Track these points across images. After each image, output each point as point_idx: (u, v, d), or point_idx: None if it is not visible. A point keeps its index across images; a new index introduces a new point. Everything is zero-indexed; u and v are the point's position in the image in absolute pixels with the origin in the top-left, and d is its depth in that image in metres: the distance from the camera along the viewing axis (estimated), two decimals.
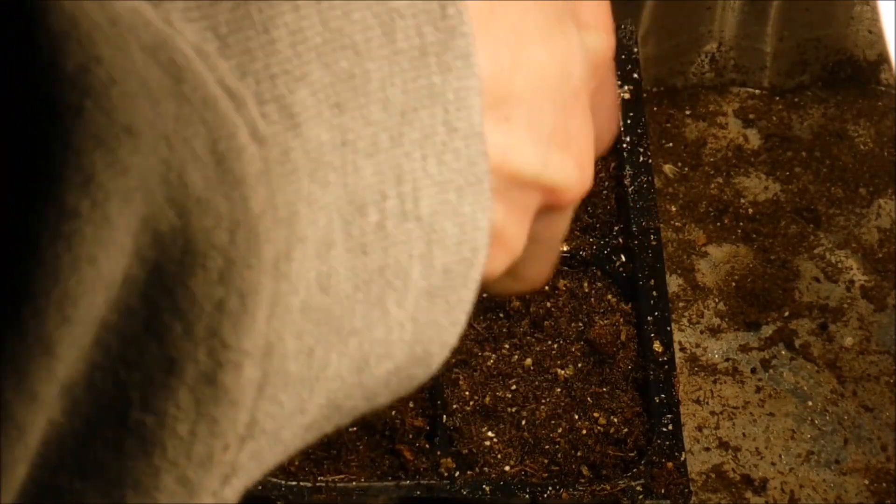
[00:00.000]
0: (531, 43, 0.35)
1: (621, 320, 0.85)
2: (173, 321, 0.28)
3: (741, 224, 1.03)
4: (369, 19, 0.32)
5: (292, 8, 0.31)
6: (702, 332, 0.99)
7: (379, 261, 0.33)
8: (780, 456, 0.94)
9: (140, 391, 0.28)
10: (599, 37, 0.38)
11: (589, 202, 0.89)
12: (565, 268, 0.87)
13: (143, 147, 0.27)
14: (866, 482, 0.94)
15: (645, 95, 0.99)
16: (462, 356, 0.83)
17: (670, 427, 0.81)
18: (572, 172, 0.36)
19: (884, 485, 0.94)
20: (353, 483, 0.78)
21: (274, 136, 0.30)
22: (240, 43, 0.30)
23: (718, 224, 1.03)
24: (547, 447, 0.81)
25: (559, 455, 0.81)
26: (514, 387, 0.83)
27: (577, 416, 0.82)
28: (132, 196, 0.27)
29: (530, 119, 0.35)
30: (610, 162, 0.90)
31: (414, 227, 0.33)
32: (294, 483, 0.77)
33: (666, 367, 0.83)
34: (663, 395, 0.82)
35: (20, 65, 0.26)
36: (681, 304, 0.99)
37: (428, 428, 0.81)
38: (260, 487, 0.77)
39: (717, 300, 1.00)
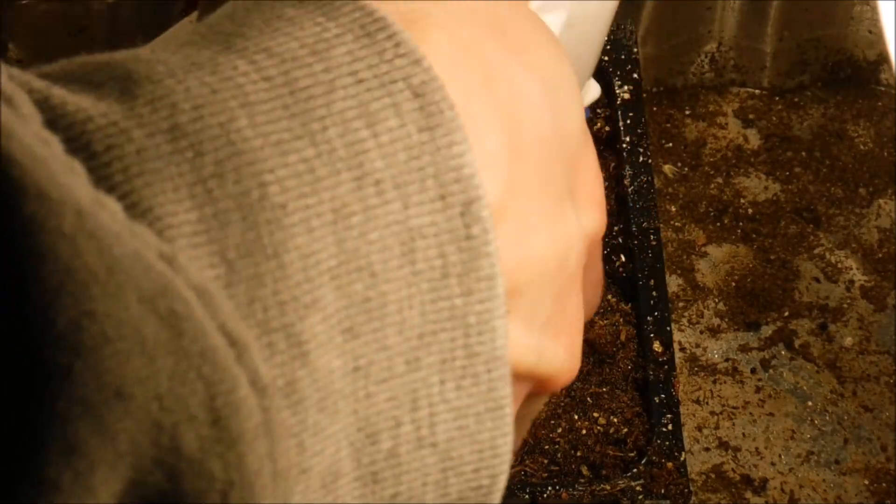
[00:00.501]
0: (535, 234, 0.34)
1: (621, 320, 0.85)
2: None
3: (741, 224, 1.03)
4: (388, 239, 0.30)
5: (306, 230, 0.29)
6: (701, 332, 0.99)
7: (391, 489, 0.32)
8: (779, 456, 0.94)
9: None
10: (594, 216, 0.36)
11: None
12: None
13: (133, 410, 0.25)
14: (866, 482, 0.94)
15: (645, 95, 0.99)
16: None
17: (670, 427, 0.81)
18: (564, 360, 0.35)
19: (884, 485, 0.94)
20: None
21: (280, 367, 0.29)
22: (249, 268, 0.29)
23: (718, 224, 1.03)
24: (547, 447, 0.81)
25: (559, 455, 0.81)
26: None
27: (576, 416, 0.82)
28: (119, 462, 0.25)
29: (528, 310, 0.34)
30: (610, 162, 0.90)
31: (429, 454, 0.32)
32: None
33: (666, 367, 0.83)
34: (663, 396, 0.82)
35: (11, 323, 0.24)
36: (680, 304, 0.99)
37: None
38: None
39: (716, 300, 1.00)
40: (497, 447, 0.33)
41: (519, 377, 0.34)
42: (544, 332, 0.35)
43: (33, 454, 0.25)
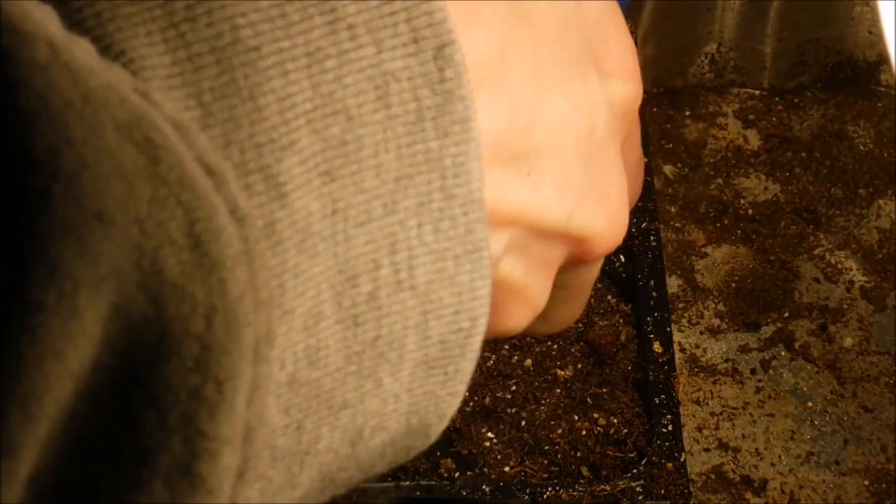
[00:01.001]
0: (550, 93, 0.34)
1: (621, 321, 0.85)
2: (146, 410, 0.27)
3: (741, 225, 1.03)
4: (363, 83, 0.31)
5: (281, 73, 0.30)
6: (701, 333, 0.99)
7: (372, 332, 0.32)
8: (779, 457, 0.94)
9: (111, 483, 0.27)
10: (625, 85, 0.36)
11: None
12: None
13: (114, 233, 0.26)
14: (866, 483, 0.94)
15: (645, 96, 0.99)
16: None
17: (670, 428, 0.81)
18: (600, 225, 0.35)
19: (884, 485, 0.94)
20: None
21: (259, 208, 0.29)
22: (224, 111, 0.29)
23: (718, 225, 1.03)
24: (547, 448, 0.81)
25: (559, 456, 0.81)
26: (513, 387, 0.83)
27: (576, 417, 0.82)
28: (103, 284, 0.26)
29: (554, 172, 0.34)
30: None
31: (409, 297, 0.32)
32: None
33: (666, 367, 0.83)
34: (663, 396, 0.82)
35: None
36: (680, 305, 0.99)
37: None
38: None
39: (716, 301, 1.00)
40: (476, 289, 0.33)
41: (550, 239, 0.35)
42: (580, 197, 0.35)
43: (18, 277, 0.25)
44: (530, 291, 0.36)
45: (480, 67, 0.33)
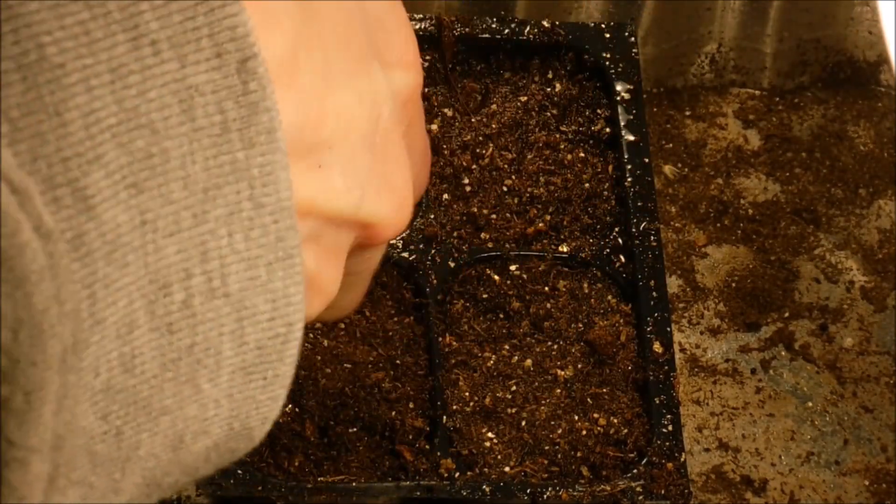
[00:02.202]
0: (337, 88, 0.35)
1: (621, 321, 0.85)
2: None
3: (741, 225, 1.03)
4: (167, 97, 0.31)
5: (85, 89, 0.30)
6: (702, 333, 0.99)
7: (187, 339, 0.32)
8: (780, 457, 0.94)
9: None
10: (407, 74, 0.37)
11: (589, 203, 0.89)
12: (565, 269, 0.87)
13: None
14: (866, 483, 0.94)
15: (645, 96, 0.99)
16: (462, 357, 0.83)
17: (670, 428, 0.81)
18: (387, 209, 0.37)
19: (884, 486, 0.94)
20: (353, 483, 0.78)
21: (67, 221, 0.30)
22: (31, 126, 0.29)
23: (718, 225, 1.03)
24: (547, 448, 0.81)
25: (559, 456, 0.81)
26: (513, 388, 0.83)
27: (576, 417, 0.82)
28: None
29: (343, 163, 0.35)
30: (610, 162, 0.90)
31: (222, 305, 0.33)
32: (294, 483, 0.77)
33: (666, 367, 0.83)
34: (663, 396, 0.82)
35: None
36: (681, 305, 0.99)
37: (428, 429, 0.81)
38: (260, 488, 0.77)
39: (716, 301, 1.00)
40: (290, 296, 0.34)
41: (340, 225, 0.36)
42: (366, 183, 0.36)
43: None
44: (322, 279, 0.36)
45: (275, 67, 0.33)
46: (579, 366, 0.84)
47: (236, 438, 0.35)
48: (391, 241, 0.39)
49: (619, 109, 0.90)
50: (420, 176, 0.40)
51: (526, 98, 0.91)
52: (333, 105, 0.35)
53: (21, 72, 0.29)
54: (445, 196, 0.87)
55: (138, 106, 0.31)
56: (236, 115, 0.32)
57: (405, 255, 0.85)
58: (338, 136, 0.35)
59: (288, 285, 0.34)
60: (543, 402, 0.82)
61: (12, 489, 0.28)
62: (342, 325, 0.83)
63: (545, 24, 0.91)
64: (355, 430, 0.80)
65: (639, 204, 0.87)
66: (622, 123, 0.90)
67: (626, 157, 0.89)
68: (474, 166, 0.89)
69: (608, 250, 0.87)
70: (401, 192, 0.37)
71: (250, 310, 0.33)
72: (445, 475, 0.79)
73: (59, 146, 0.30)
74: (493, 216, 0.87)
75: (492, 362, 0.83)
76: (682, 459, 0.80)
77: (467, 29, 0.91)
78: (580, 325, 0.85)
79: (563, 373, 0.83)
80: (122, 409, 0.31)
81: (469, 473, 0.79)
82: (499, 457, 0.80)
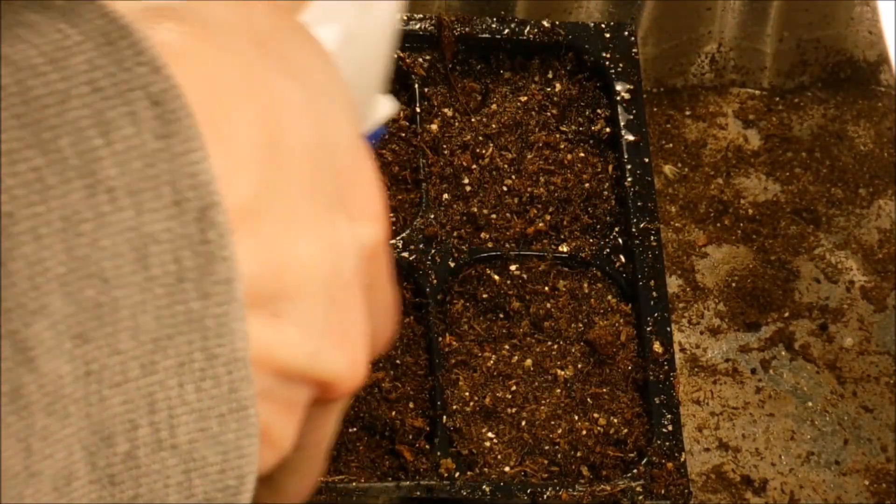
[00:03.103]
0: (300, 237, 0.34)
1: (621, 321, 0.85)
2: None
3: (741, 225, 1.03)
4: (120, 246, 0.31)
5: (33, 238, 0.30)
6: (702, 333, 0.99)
7: (130, 490, 0.32)
8: (780, 457, 0.94)
9: None
10: (371, 228, 0.37)
11: (589, 203, 0.89)
12: (565, 268, 0.87)
13: None
14: (866, 483, 0.94)
15: (645, 96, 0.99)
16: (462, 357, 0.83)
17: (670, 428, 0.81)
18: (344, 365, 0.36)
19: (884, 485, 0.94)
20: (353, 483, 0.78)
21: (6, 373, 0.29)
22: None
23: (718, 225, 1.03)
24: (547, 448, 0.81)
25: (559, 456, 0.81)
26: (514, 387, 0.83)
27: (576, 417, 0.82)
28: None
29: (300, 314, 0.34)
30: (610, 162, 0.90)
31: (169, 456, 0.32)
32: None
33: (666, 367, 0.83)
34: (663, 396, 0.82)
35: None
36: (681, 305, 0.99)
37: (428, 429, 0.81)
38: None
39: (717, 301, 1.00)
40: (242, 448, 0.33)
41: (294, 379, 0.35)
42: (324, 338, 0.35)
43: None
44: (275, 433, 0.35)
45: (238, 214, 0.33)
46: (579, 366, 0.84)
47: None
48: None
49: (619, 109, 0.90)
50: (382, 332, 0.39)
51: (526, 98, 0.91)
52: (295, 254, 0.34)
53: None
54: (445, 196, 0.87)
55: (89, 255, 0.30)
56: (192, 264, 0.31)
57: (405, 255, 0.85)
58: (297, 286, 0.34)
59: (240, 437, 0.33)
60: (543, 402, 0.82)
61: None
62: None
63: (545, 24, 0.91)
64: (355, 430, 0.80)
65: (639, 204, 0.87)
66: (622, 123, 0.90)
67: (626, 157, 0.89)
68: (474, 166, 0.89)
69: (608, 250, 0.87)
70: (357, 348, 0.36)
71: (199, 462, 0.32)
72: (445, 475, 0.79)
73: (1, 297, 0.29)
74: (493, 216, 0.87)
75: (492, 362, 0.83)
76: (682, 459, 0.80)
77: (467, 29, 0.91)
78: (580, 325, 0.85)
79: (563, 373, 0.83)
80: None
81: (469, 473, 0.79)
82: (499, 457, 0.80)
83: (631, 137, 0.89)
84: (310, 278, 0.34)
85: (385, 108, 0.60)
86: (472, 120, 0.90)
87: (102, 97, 0.31)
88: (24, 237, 0.30)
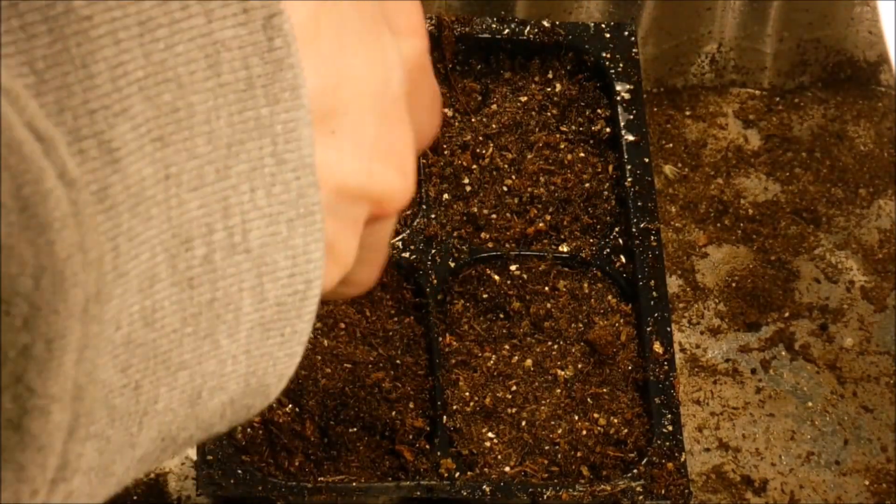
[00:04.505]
0: (353, 55, 0.35)
1: (621, 321, 0.85)
2: None
3: (741, 225, 1.03)
4: (194, 52, 0.31)
5: (113, 41, 0.30)
6: (702, 333, 0.99)
7: (207, 294, 0.32)
8: (780, 457, 0.94)
9: None
10: (413, 41, 0.38)
11: (589, 203, 0.89)
12: (565, 269, 0.87)
13: None
14: (866, 483, 0.94)
15: (645, 96, 0.99)
16: (462, 357, 0.83)
17: (670, 428, 0.81)
18: (395, 181, 0.36)
19: (884, 485, 0.94)
20: (353, 483, 0.78)
21: (93, 173, 0.30)
22: (57, 78, 0.30)
23: (718, 225, 1.03)
24: (547, 448, 0.81)
25: (559, 456, 0.81)
26: (514, 388, 0.83)
27: (577, 417, 0.82)
28: None
29: (354, 130, 0.35)
30: (610, 162, 0.90)
31: (243, 260, 0.33)
32: (294, 483, 0.77)
33: (666, 367, 0.83)
34: (663, 396, 0.82)
35: None
36: (681, 305, 0.99)
37: (428, 429, 0.81)
38: (260, 488, 0.77)
39: (717, 301, 1.00)
40: (310, 252, 0.34)
41: (353, 197, 0.36)
42: (374, 153, 0.36)
43: None
44: (339, 249, 0.36)
45: (298, 31, 0.34)
46: (579, 366, 0.84)
47: (252, 395, 0.35)
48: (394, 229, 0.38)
49: (619, 109, 0.90)
50: (428, 129, 0.41)
51: (526, 98, 0.91)
52: (350, 71, 0.35)
53: (48, 24, 0.29)
54: (445, 196, 0.87)
55: (165, 60, 0.31)
56: (261, 71, 0.32)
57: (405, 255, 0.85)
58: (352, 101, 0.35)
59: (308, 242, 0.34)
60: (543, 402, 0.82)
61: (33, 437, 0.28)
62: (342, 325, 0.83)
63: (545, 24, 0.91)
64: (355, 430, 0.80)
65: (639, 204, 0.87)
66: (622, 123, 0.90)
67: (626, 157, 0.89)
68: (474, 166, 0.89)
69: (608, 250, 0.87)
70: (407, 162, 0.37)
71: (270, 266, 0.33)
72: (445, 475, 0.79)
73: (85, 98, 0.30)
74: (493, 216, 0.87)
75: (492, 362, 0.83)
76: (683, 459, 0.80)
77: (467, 29, 0.91)
78: (580, 325, 0.85)
79: (563, 373, 0.83)
80: (141, 363, 0.31)
81: (469, 473, 0.79)
82: (499, 457, 0.80)
83: (631, 137, 0.89)
84: (363, 93, 0.35)
85: None
86: (473, 120, 0.90)
87: None
88: (104, 40, 0.30)
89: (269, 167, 0.33)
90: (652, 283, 0.85)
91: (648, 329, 0.84)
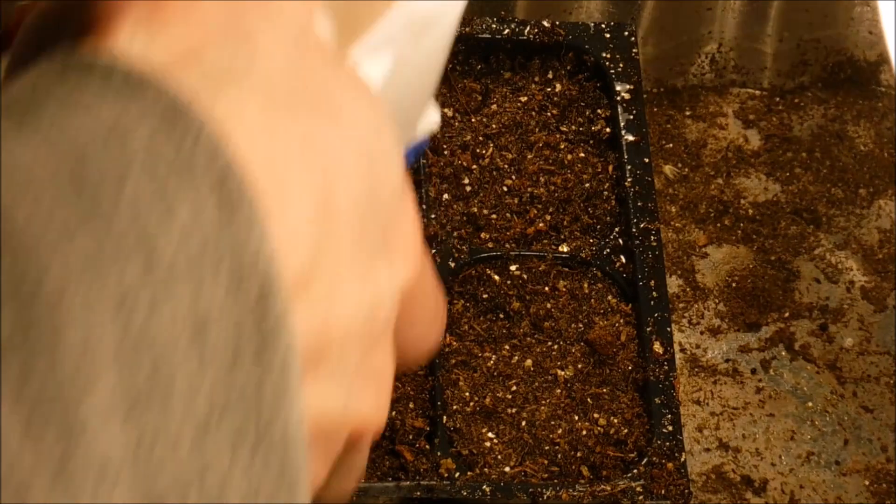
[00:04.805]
0: (345, 296, 0.34)
1: (621, 321, 0.85)
2: None
3: (741, 225, 1.03)
4: (177, 323, 0.31)
5: (86, 313, 0.30)
6: (702, 333, 0.99)
7: None
8: (780, 457, 0.94)
9: None
10: (407, 266, 0.37)
11: (589, 203, 0.89)
12: (565, 269, 0.87)
13: None
14: (866, 483, 0.94)
15: (645, 96, 0.99)
16: (462, 357, 0.83)
17: (670, 428, 0.81)
18: (370, 409, 0.36)
19: (884, 486, 0.94)
20: None
21: (56, 443, 0.29)
22: (23, 348, 0.29)
23: (718, 225, 1.03)
24: (547, 448, 0.81)
25: (559, 456, 0.81)
26: (514, 388, 0.83)
27: (577, 417, 0.82)
28: None
29: (336, 366, 0.34)
30: (610, 162, 0.90)
31: None
32: None
33: (666, 367, 0.83)
34: (663, 396, 0.82)
35: None
36: (681, 305, 0.99)
37: (428, 429, 0.81)
38: None
39: (717, 301, 1.00)
40: None
41: (329, 431, 0.35)
42: (354, 385, 0.35)
43: None
44: (313, 483, 0.35)
45: (293, 280, 0.33)
46: (579, 366, 0.84)
47: None
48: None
49: (619, 109, 0.90)
50: (424, 343, 0.40)
51: (526, 98, 0.91)
52: (340, 310, 0.34)
53: (18, 298, 0.29)
54: (445, 196, 0.87)
55: (145, 331, 0.30)
56: (250, 344, 0.31)
57: None
58: (339, 340, 0.34)
59: None
60: (543, 402, 0.82)
61: None
62: None
63: (545, 24, 0.91)
64: None
65: (639, 204, 0.87)
66: (622, 123, 0.90)
67: (626, 157, 0.89)
68: (474, 166, 0.89)
69: (608, 250, 0.87)
70: (383, 390, 0.36)
71: None
72: (445, 475, 0.79)
73: (51, 366, 0.29)
74: (493, 216, 0.87)
75: (492, 362, 0.83)
76: (683, 459, 0.80)
77: (467, 29, 0.91)
78: (580, 325, 0.85)
79: (563, 373, 0.83)
80: None
81: (469, 473, 0.79)
82: (499, 457, 0.80)
83: (631, 137, 0.89)
84: (350, 331, 0.35)
85: (433, 118, 0.61)
86: (473, 120, 0.90)
87: (164, 173, 0.31)
88: (77, 312, 0.29)
89: (251, 440, 0.32)
90: (652, 283, 0.85)
91: (648, 329, 0.84)
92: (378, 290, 0.35)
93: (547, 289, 0.86)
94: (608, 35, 0.92)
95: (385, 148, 0.37)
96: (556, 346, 0.84)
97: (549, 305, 0.85)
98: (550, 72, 0.92)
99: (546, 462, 0.81)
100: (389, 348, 0.37)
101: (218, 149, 0.31)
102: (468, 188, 0.88)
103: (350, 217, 0.35)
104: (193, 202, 0.31)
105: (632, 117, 0.90)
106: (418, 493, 0.78)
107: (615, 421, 0.82)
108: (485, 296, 0.85)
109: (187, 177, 0.31)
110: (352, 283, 0.35)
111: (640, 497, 0.79)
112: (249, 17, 0.35)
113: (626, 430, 0.82)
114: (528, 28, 0.91)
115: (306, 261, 0.33)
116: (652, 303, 0.85)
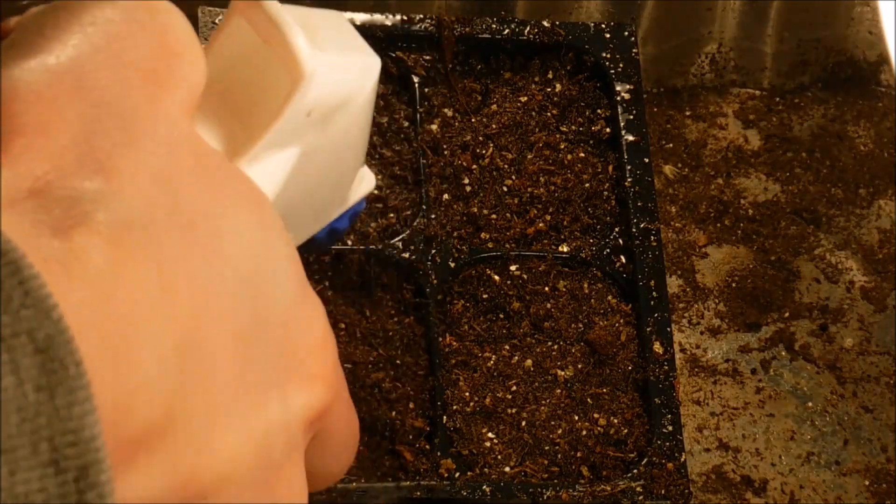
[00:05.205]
0: (224, 433, 0.33)
1: (621, 321, 0.85)
2: None
3: (741, 225, 1.03)
4: None
5: None
6: (702, 333, 0.99)
7: None
8: (780, 457, 0.94)
9: None
10: (312, 392, 0.35)
11: (589, 203, 0.88)
12: (565, 269, 0.87)
13: None
14: (866, 483, 0.94)
15: (645, 96, 0.99)
16: (462, 357, 0.83)
17: (670, 428, 0.81)
18: None
19: (884, 486, 0.94)
20: (353, 483, 0.78)
21: None
22: None
23: (718, 225, 1.03)
24: (547, 448, 0.81)
25: (559, 456, 0.81)
26: (514, 388, 0.83)
27: (577, 417, 0.82)
28: None
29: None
30: (610, 162, 0.90)
31: None
32: None
33: (666, 367, 0.83)
34: (663, 396, 0.82)
35: None
36: (681, 305, 0.99)
37: (428, 429, 0.81)
38: None
39: (717, 301, 1.00)
40: None
41: None
42: None
43: None
44: None
45: (145, 436, 0.31)
46: (579, 366, 0.84)
47: None
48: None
49: (619, 109, 0.90)
50: (340, 463, 0.39)
51: (526, 98, 0.91)
52: (219, 450, 0.33)
53: None
54: (445, 196, 0.87)
55: None
56: None
57: (405, 255, 0.85)
58: (221, 481, 0.33)
59: None
60: (543, 402, 0.82)
61: None
62: (342, 325, 0.83)
63: (545, 24, 0.91)
64: None
65: (639, 204, 0.87)
66: (622, 123, 0.89)
67: (626, 157, 0.89)
68: (474, 166, 0.89)
69: (608, 250, 0.87)
70: None
71: None
72: (445, 475, 0.79)
73: None
74: (493, 216, 0.87)
75: (492, 362, 0.83)
76: (683, 459, 0.80)
77: (467, 29, 0.91)
78: (580, 325, 0.85)
79: (563, 373, 0.83)
80: None
81: (469, 473, 0.79)
82: (499, 457, 0.80)
83: (631, 137, 0.89)
84: (234, 469, 0.33)
85: (367, 182, 0.60)
86: (473, 120, 0.90)
87: None
88: None
89: None
90: (652, 283, 0.85)
91: (648, 329, 0.84)
92: (267, 426, 0.34)
93: (547, 289, 0.86)
94: (608, 35, 0.92)
95: (273, 266, 0.35)
96: (556, 347, 0.84)
97: (549, 305, 0.85)
98: (550, 72, 0.92)
99: (546, 462, 0.81)
100: (297, 478, 0.35)
101: (46, 314, 0.30)
102: (468, 188, 0.88)
103: (226, 353, 0.33)
104: (12, 373, 0.29)
105: (632, 117, 0.90)
106: (418, 494, 0.78)
107: (615, 421, 0.82)
108: (485, 296, 0.85)
109: (10, 344, 0.29)
110: (231, 422, 0.33)
111: (640, 497, 0.79)
112: (110, 139, 0.33)
113: (626, 431, 0.82)
114: (528, 28, 0.91)
115: (160, 412, 0.31)
116: (652, 303, 0.85)
